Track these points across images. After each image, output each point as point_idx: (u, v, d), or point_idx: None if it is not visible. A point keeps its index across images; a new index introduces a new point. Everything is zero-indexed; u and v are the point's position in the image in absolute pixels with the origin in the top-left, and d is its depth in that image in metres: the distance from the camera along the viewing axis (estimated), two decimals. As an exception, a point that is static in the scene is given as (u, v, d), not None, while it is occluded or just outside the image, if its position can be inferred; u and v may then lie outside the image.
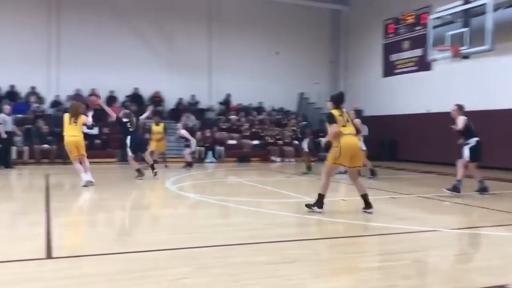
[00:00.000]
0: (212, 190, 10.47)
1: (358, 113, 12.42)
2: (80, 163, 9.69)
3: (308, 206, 6.87)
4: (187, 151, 15.66)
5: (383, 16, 21.30)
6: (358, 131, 11.98)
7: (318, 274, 3.98)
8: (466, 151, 8.85)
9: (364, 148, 12.07)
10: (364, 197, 6.93)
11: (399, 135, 19.93)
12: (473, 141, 8.85)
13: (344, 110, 7.02)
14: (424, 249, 5.09)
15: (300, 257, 4.54)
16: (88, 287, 3.58)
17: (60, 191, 9.42)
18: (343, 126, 6.82)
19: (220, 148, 19.12)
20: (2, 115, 14.67)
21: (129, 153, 11.32)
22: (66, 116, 9.76)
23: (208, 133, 19.39)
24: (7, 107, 15.10)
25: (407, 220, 6.64)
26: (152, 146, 15.11)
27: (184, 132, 15.83)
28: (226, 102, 22.31)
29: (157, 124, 15.48)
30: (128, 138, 11.27)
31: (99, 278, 3.79)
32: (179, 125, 16.75)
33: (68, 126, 9.63)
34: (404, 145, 19.78)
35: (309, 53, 23.59)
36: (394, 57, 20.83)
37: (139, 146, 11.83)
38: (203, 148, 18.66)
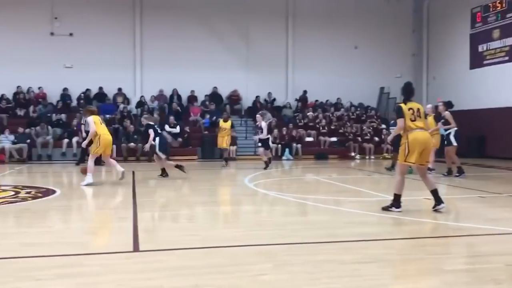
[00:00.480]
0: (289, 188, 10.47)
1: (448, 105, 11.69)
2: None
3: (385, 208, 6.68)
4: (260, 150, 14.59)
5: (470, 4, 20.13)
6: (447, 123, 11.39)
7: (400, 275, 3.85)
8: None
9: (454, 143, 11.39)
10: (434, 192, 6.62)
11: (487, 131, 18.74)
12: None
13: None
14: (518, 253, 4.74)
15: (381, 257, 4.41)
16: (173, 280, 3.71)
17: (146, 187, 9.88)
18: (412, 120, 6.52)
19: (297, 146, 19.08)
20: None
21: (161, 155, 11.12)
22: (96, 118, 9.89)
23: (284, 130, 19.42)
24: None
25: (498, 221, 6.22)
26: (219, 143, 15.36)
27: (264, 125, 14.58)
28: (302, 99, 22.21)
29: (225, 121, 15.49)
30: (157, 140, 11.13)
31: (182, 271, 3.93)
32: (258, 116, 15.19)
33: (100, 126, 9.83)
34: (493, 141, 18.58)
35: (390, 46, 22.83)
36: (482, 47, 19.62)
37: (167, 147, 11.63)
38: (279, 146, 18.74)
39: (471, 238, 5.35)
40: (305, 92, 22.16)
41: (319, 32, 22.23)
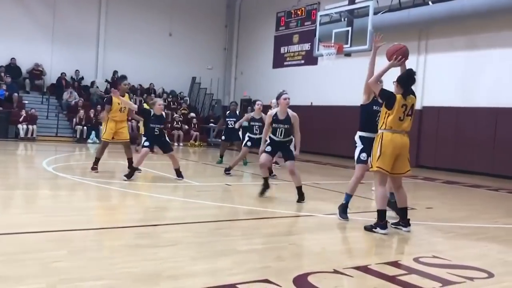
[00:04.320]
0: (92, 172, 10.04)
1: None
2: None
3: (368, 228, 5.39)
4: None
5: (276, 8, 21.85)
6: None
7: (197, 257, 4.06)
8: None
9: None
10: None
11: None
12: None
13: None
14: (300, 233, 5.42)
15: (180, 240, 4.59)
16: None
17: None
18: (399, 119, 5.20)
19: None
20: None
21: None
22: None
23: (92, 112, 18.51)
24: None
25: (286, 205, 6.98)
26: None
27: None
28: (113, 80, 21.38)
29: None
30: None
31: (-41, 262, 3.50)
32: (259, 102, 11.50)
33: None
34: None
35: (204, 38, 23.45)
36: (284, 49, 21.54)
37: None
38: (85, 128, 17.88)
39: (263, 220, 5.92)
40: (115, 72, 21.35)
41: (134, 14, 21.64)
